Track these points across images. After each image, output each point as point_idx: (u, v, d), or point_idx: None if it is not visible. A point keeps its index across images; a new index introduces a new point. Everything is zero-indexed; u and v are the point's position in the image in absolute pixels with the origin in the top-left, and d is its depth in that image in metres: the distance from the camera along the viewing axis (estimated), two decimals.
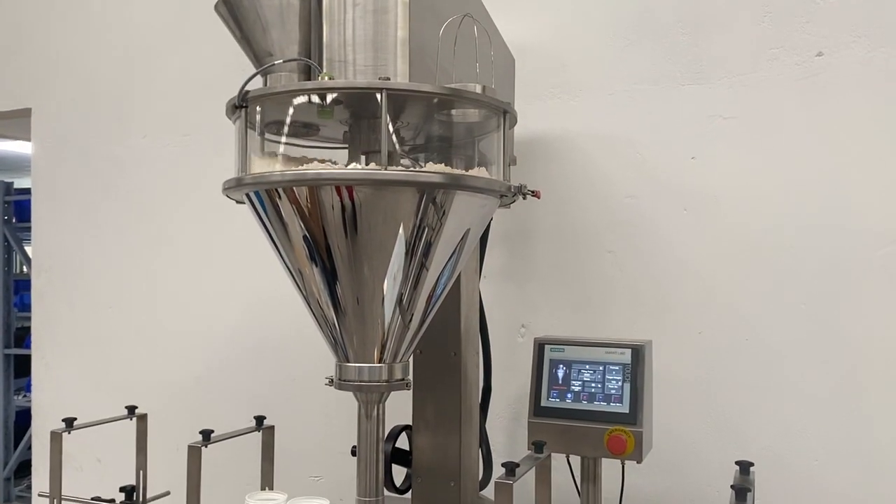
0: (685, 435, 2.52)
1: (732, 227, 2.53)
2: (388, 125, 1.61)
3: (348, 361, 1.82)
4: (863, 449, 2.38)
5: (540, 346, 2.19)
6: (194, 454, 1.83)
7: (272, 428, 2.16)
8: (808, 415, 2.44)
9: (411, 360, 2.19)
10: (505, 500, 1.57)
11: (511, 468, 1.62)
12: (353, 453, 2.17)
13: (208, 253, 3.40)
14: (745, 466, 1.64)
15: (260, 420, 2.14)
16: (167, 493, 2.35)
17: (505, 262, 2.87)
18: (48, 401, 3.64)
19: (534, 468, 1.84)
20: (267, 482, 2.15)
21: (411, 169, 1.89)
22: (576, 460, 2.18)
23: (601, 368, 2.10)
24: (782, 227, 2.46)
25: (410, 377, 1.90)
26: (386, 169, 1.60)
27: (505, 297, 2.85)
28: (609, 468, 2.20)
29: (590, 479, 2.13)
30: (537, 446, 1.84)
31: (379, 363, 1.81)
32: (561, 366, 2.15)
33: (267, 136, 1.82)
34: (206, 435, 1.90)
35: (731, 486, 1.42)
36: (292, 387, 3.09)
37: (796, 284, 2.45)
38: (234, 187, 1.74)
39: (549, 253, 2.81)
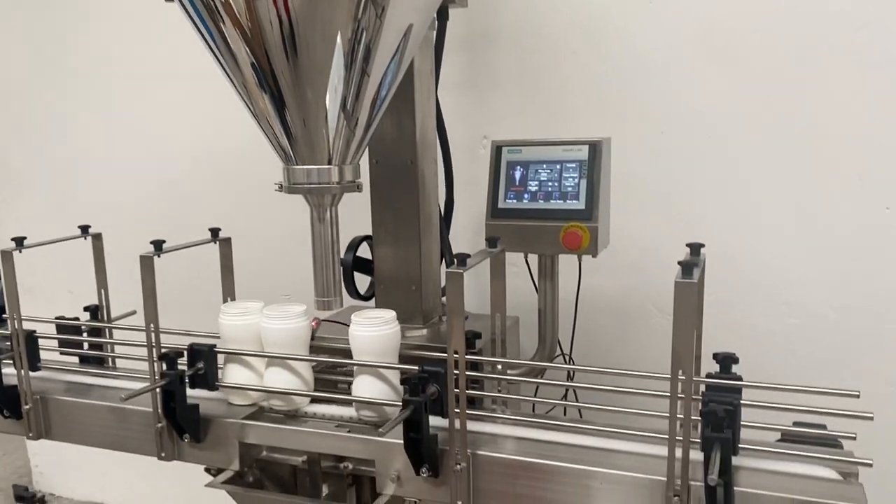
0: (645, 234, 2.54)
1: (700, 20, 2.43)
2: None
3: (297, 164, 1.77)
4: (820, 244, 2.43)
5: (497, 149, 2.15)
6: (146, 263, 1.82)
7: (229, 240, 2.15)
8: (770, 212, 2.47)
9: (368, 170, 2.19)
10: (455, 288, 1.58)
11: (462, 258, 1.63)
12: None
13: (163, 69, 3.24)
14: (695, 248, 1.66)
15: (215, 232, 2.12)
16: (133, 313, 2.36)
17: (465, 72, 2.76)
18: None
19: (489, 263, 1.87)
20: (228, 293, 2.17)
21: None
22: (534, 261, 2.20)
23: (558, 167, 2.07)
24: (750, 15, 2.36)
25: (361, 180, 1.86)
26: None
27: (466, 109, 2.77)
28: (568, 266, 2.23)
29: (547, 276, 2.17)
30: (490, 241, 1.85)
31: (328, 165, 1.77)
32: (518, 167, 2.12)
33: None
34: (158, 245, 1.88)
35: (679, 263, 1.44)
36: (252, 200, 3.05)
37: (763, 77, 2.39)
38: None
39: (511, 58, 2.70)
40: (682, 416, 1.42)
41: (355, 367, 1.84)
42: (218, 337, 2.07)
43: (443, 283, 2.48)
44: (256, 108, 1.75)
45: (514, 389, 2.19)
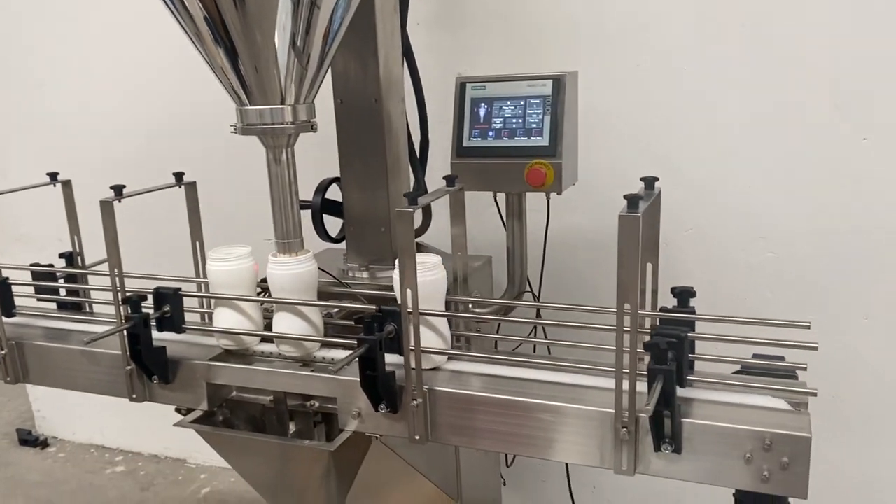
0: (618, 169, 2.51)
1: None
2: None
3: (249, 105, 1.76)
4: (797, 178, 2.39)
5: (461, 86, 2.11)
6: (107, 209, 1.82)
7: (193, 184, 2.14)
8: (746, 146, 2.43)
9: (333, 110, 2.16)
10: (405, 227, 1.57)
11: (413, 197, 1.62)
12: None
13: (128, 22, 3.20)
14: (649, 181, 1.64)
15: (179, 176, 2.11)
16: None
17: (438, 9, 2.70)
18: None
19: (448, 202, 1.86)
20: (197, 238, 2.17)
21: None
22: (503, 199, 2.19)
23: (522, 103, 2.03)
24: None
25: (317, 120, 1.84)
26: None
27: (439, 47, 2.72)
28: (537, 203, 2.22)
29: (514, 215, 2.16)
30: (448, 180, 1.83)
31: (281, 105, 1.75)
32: (482, 104, 2.08)
33: None
34: (118, 190, 1.88)
35: (625, 196, 1.42)
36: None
37: (738, 7, 2.32)
38: None
39: None
40: (629, 349, 1.43)
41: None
42: (188, 280, 2.10)
43: (417, 224, 2.48)
44: (213, 61, 1.75)
45: (487, 329, 2.21)
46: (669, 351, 1.41)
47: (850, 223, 2.37)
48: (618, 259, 1.39)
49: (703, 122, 2.46)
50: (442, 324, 1.74)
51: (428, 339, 1.68)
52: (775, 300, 2.51)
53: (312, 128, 1.81)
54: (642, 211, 1.40)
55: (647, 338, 1.48)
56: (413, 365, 1.62)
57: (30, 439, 3.95)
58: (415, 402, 1.64)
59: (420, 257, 1.70)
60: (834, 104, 2.29)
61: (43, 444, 3.95)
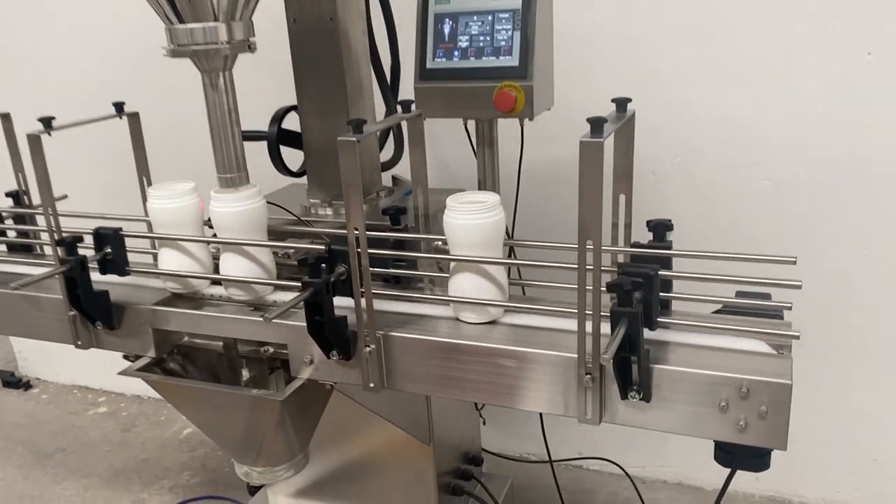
0: (601, 92, 2.32)
1: None
2: None
3: (178, 24, 1.58)
4: (794, 96, 2.21)
5: (423, 1, 1.91)
6: (34, 142, 1.67)
7: (136, 115, 1.97)
8: (740, 62, 2.24)
9: (286, 31, 1.97)
10: (349, 158, 1.42)
11: (357, 125, 1.45)
12: None
13: None
14: (621, 103, 1.47)
15: (119, 106, 1.94)
16: (65, 197, 2.23)
17: None
18: None
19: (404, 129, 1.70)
20: (143, 172, 2.02)
21: None
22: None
23: (490, 18, 1.84)
24: None
25: (255, 39, 1.66)
26: None
27: None
28: (512, 131, 2.05)
29: (485, 143, 1.99)
30: (404, 105, 1.67)
31: (214, 22, 1.57)
32: (447, 21, 1.89)
33: None
34: (47, 122, 1.72)
35: (588, 119, 1.26)
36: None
37: None
38: None
39: None
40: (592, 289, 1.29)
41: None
42: (134, 219, 1.96)
43: (387, 157, 2.32)
44: None
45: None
46: (635, 292, 1.27)
47: (851, 147, 2.19)
48: (579, 189, 1.24)
49: (693, 38, 2.26)
50: (499, 272, 1.54)
51: (481, 291, 1.52)
52: (771, 232, 2.36)
53: (250, 48, 1.64)
54: (608, 135, 1.25)
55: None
56: (364, 309, 1.49)
57: (13, 381, 3.90)
58: (367, 348, 1.52)
59: (475, 195, 1.55)
60: (835, 14, 2.08)
61: (26, 385, 3.90)
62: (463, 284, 1.54)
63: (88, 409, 3.65)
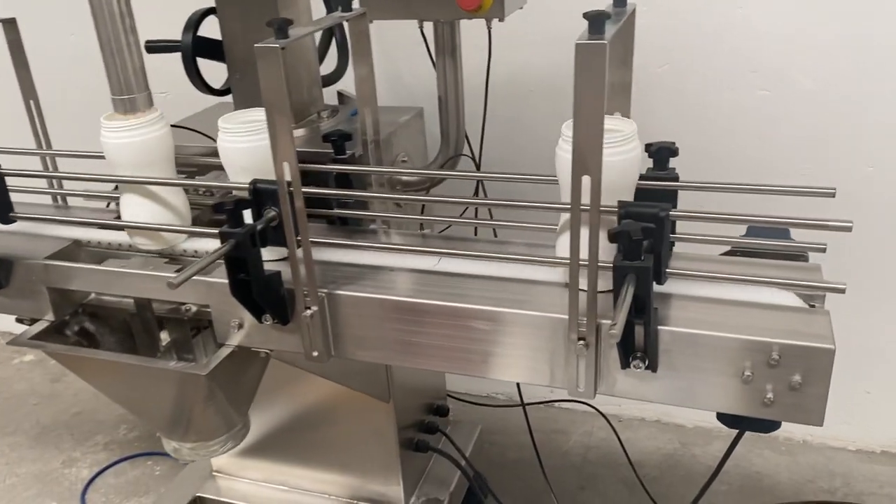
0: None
1: None
2: None
3: None
4: None
5: None
6: None
7: (13, 20, 1.58)
8: None
9: None
10: (271, 68, 1.09)
11: (281, 26, 1.12)
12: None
13: None
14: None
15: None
16: None
17: None
18: None
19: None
20: (29, 95, 1.64)
21: None
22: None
23: None
24: None
25: None
26: None
27: None
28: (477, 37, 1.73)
29: (446, 51, 1.66)
30: (344, 3, 1.33)
31: None
32: None
33: None
34: None
35: (584, 15, 0.96)
36: None
37: None
38: None
39: None
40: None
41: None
42: (26, 152, 1.61)
43: (328, 70, 1.98)
44: None
45: (411, 207, 1.76)
46: (644, 241, 1.00)
47: (861, 50, 1.92)
48: (574, 109, 0.95)
49: None
50: None
51: None
52: (769, 149, 2.10)
53: None
54: (610, 37, 0.94)
55: (614, 219, 1.07)
56: (302, 261, 1.20)
57: None
58: (308, 310, 1.23)
59: (608, 122, 1.01)
60: None
61: None
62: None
63: (13, 357, 3.32)
